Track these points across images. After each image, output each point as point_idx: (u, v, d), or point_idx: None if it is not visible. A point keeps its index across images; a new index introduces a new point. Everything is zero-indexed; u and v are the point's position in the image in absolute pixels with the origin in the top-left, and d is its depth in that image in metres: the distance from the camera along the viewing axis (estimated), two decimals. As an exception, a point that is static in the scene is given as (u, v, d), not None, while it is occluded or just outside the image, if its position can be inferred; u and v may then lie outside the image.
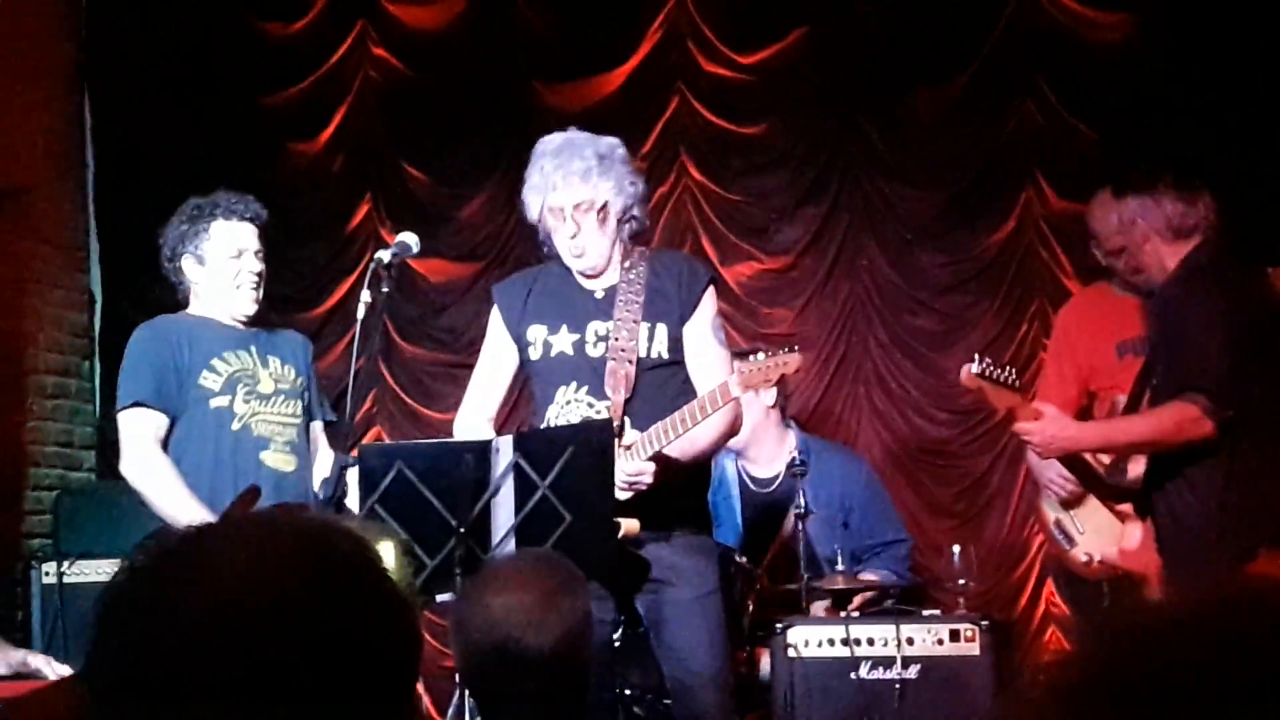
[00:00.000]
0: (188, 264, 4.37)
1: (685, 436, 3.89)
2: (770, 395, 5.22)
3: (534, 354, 4.11)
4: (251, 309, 4.39)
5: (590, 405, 4.01)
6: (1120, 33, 5.93)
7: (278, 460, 4.29)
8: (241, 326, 4.39)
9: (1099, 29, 5.97)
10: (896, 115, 6.18)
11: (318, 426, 4.49)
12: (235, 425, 4.28)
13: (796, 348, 3.98)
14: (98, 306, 6.72)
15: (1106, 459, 4.45)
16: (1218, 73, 5.72)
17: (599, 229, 4.03)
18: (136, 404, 4.26)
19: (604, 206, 4.03)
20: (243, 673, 1.03)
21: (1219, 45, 5.73)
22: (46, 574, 5.65)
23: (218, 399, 4.27)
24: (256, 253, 4.39)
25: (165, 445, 4.25)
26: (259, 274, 4.38)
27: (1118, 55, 5.91)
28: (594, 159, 4.01)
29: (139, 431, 4.25)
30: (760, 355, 3.89)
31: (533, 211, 4.11)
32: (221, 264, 4.35)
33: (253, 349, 4.38)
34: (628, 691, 4.03)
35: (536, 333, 4.11)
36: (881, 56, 6.15)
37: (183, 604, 1.06)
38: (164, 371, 4.28)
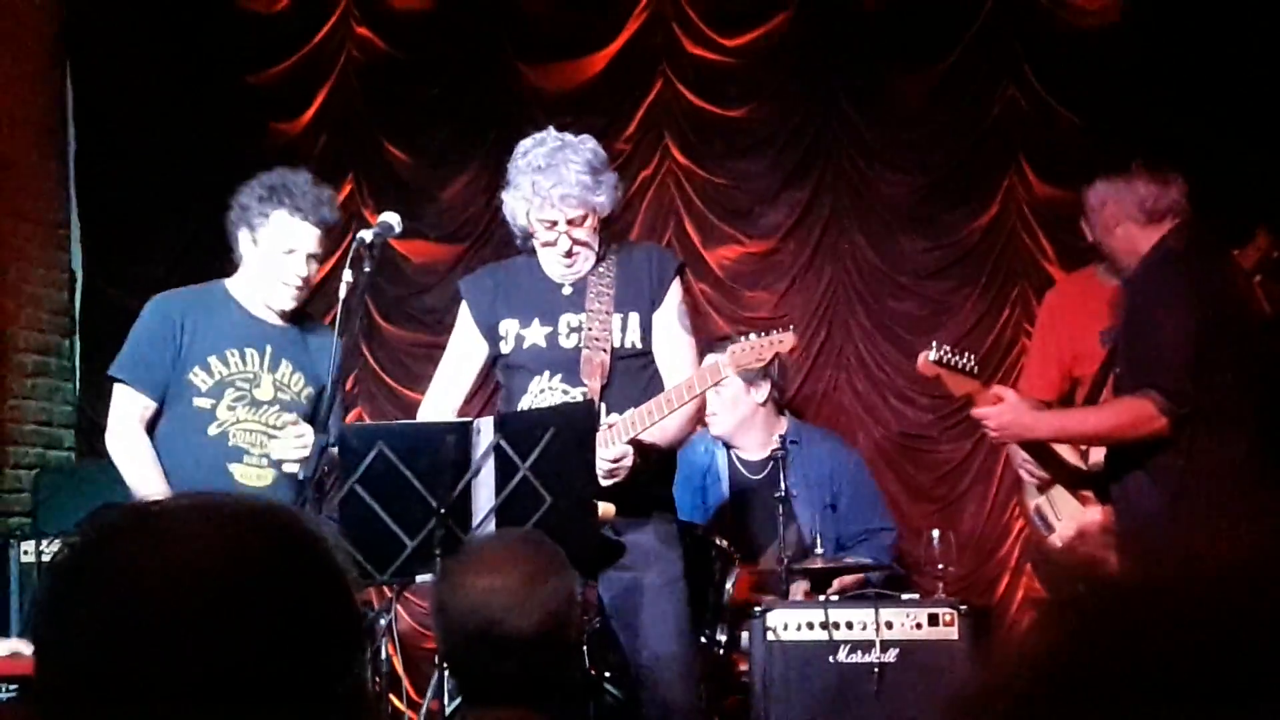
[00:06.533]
0: (243, 237, 4.26)
1: (658, 424, 3.90)
2: (762, 392, 5.22)
3: (506, 347, 4.12)
4: (288, 305, 4.28)
5: (565, 393, 4.02)
6: (1104, 18, 5.93)
7: (248, 474, 4.17)
8: (266, 320, 4.29)
9: (1083, 14, 5.97)
10: (880, 99, 6.17)
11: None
12: (213, 430, 4.19)
13: (792, 326, 3.99)
14: (78, 284, 6.69)
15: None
16: (1202, 58, 5.72)
17: (589, 236, 4.08)
18: (122, 380, 4.25)
19: (595, 214, 4.07)
20: (192, 652, 1.03)
21: (1203, 30, 5.73)
22: (25, 553, 5.62)
23: (201, 399, 4.20)
24: (312, 256, 4.25)
25: (154, 426, 4.23)
26: (305, 278, 4.25)
27: (1102, 40, 5.91)
28: (587, 172, 4.01)
29: (123, 409, 4.24)
30: (752, 335, 3.90)
31: (519, 218, 4.09)
32: (272, 256, 4.22)
33: (267, 349, 4.26)
34: (607, 674, 4.03)
35: (508, 326, 4.12)
36: (865, 40, 6.14)
37: (133, 582, 1.05)
38: (156, 357, 4.22)
